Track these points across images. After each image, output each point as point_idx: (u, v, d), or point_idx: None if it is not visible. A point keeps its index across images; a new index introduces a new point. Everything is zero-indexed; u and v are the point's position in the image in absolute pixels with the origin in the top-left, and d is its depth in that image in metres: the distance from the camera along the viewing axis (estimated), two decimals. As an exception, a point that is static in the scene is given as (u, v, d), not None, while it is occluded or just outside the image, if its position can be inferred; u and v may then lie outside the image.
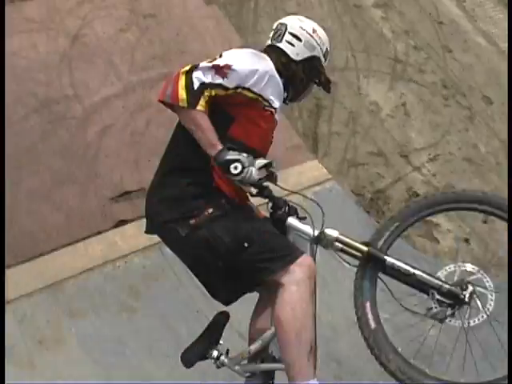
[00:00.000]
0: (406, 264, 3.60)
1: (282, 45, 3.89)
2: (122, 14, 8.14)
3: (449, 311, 3.47)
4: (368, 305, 3.69)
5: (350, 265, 3.90)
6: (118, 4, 8.24)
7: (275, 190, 3.73)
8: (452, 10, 10.41)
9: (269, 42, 4.01)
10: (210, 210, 3.56)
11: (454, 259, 7.07)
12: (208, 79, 3.47)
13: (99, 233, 6.19)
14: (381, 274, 3.73)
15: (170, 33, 8.13)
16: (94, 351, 5.36)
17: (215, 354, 3.93)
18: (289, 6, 9.05)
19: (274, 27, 4.01)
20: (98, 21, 7.95)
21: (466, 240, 7.30)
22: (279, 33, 3.92)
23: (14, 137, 6.57)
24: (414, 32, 9.60)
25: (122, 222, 6.31)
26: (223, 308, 4.03)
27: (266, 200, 3.79)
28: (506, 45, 9.76)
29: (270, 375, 4.04)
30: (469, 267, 3.53)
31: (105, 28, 7.90)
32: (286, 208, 3.83)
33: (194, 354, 3.98)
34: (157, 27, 8.13)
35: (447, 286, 3.45)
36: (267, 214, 3.87)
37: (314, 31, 3.91)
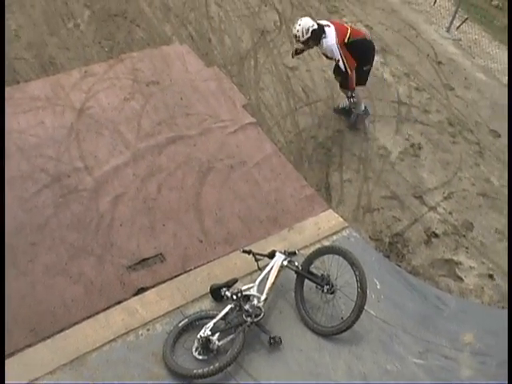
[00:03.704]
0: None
1: None
2: (125, 83, 8.28)
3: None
4: None
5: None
6: (120, 74, 8.39)
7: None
8: (449, 49, 10.54)
9: None
10: None
11: (480, 296, 6.97)
12: None
13: (119, 302, 6.12)
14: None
15: (174, 97, 8.24)
16: (123, 424, 5.25)
17: None
18: (289, 60, 9.17)
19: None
20: (102, 92, 8.09)
21: (491, 276, 7.17)
22: None
23: (27, 214, 6.61)
24: (415, 74, 9.69)
25: (141, 290, 6.24)
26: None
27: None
28: (507, 78, 9.85)
29: None
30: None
31: (109, 99, 8.03)
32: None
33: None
34: (160, 93, 8.25)
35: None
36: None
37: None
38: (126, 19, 9.42)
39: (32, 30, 8.84)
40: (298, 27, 7.66)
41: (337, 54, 7.72)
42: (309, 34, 7.65)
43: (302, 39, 7.68)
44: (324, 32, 7.69)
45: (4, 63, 7.90)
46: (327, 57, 7.97)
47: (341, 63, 7.77)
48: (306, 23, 7.65)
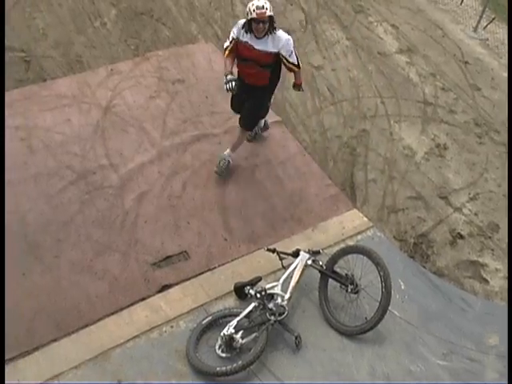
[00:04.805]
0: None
1: None
2: (150, 81, 8.31)
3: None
4: None
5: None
6: (145, 73, 8.42)
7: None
8: (475, 49, 10.44)
9: None
10: None
11: (506, 299, 6.89)
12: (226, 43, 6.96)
13: (143, 299, 6.14)
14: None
15: (199, 96, 8.26)
16: (146, 420, 5.28)
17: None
18: (314, 59, 9.17)
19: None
20: (128, 90, 8.12)
21: (517, 278, 7.12)
22: None
23: (53, 210, 6.66)
24: (441, 74, 9.61)
25: (165, 287, 6.27)
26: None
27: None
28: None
29: None
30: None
31: (135, 97, 8.06)
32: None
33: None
34: (186, 91, 8.27)
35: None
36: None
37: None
38: (152, 18, 9.48)
39: (59, 29, 8.93)
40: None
41: (292, 48, 6.88)
42: (272, 13, 6.76)
43: (268, 13, 6.68)
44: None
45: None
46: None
47: (294, 57, 6.92)
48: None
